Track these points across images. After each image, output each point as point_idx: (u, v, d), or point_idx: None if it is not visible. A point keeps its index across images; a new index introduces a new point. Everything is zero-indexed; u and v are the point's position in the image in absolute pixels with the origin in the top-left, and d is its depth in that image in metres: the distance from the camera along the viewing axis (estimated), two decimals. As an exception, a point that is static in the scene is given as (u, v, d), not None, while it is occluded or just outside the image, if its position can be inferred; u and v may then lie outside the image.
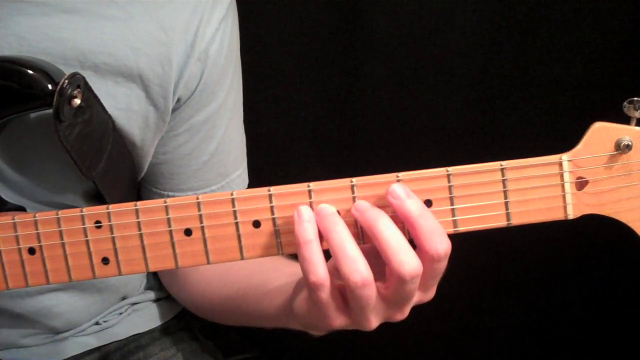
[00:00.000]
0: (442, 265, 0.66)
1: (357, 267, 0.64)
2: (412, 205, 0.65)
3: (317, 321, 0.71)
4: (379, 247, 0.65)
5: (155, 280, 1.09)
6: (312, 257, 0.65)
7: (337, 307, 0.68)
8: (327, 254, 0.67)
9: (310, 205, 0.67)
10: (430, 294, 0.70)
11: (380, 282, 0.66)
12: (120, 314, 1.04)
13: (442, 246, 0.65)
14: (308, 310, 0.71)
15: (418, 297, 0.69)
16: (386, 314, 0.69)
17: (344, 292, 0.67)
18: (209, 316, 1.01)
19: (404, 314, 0.69)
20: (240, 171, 1.00)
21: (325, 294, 0.66)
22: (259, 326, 0.88)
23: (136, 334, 1.05)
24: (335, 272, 0.66)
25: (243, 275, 0.90)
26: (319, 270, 0.65)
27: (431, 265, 0.65)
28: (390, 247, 0.64)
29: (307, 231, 0.65)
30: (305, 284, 0.67)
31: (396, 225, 0.65)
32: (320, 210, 0.67)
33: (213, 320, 1.01)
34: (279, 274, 0.84)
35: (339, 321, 0.69)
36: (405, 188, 0.66)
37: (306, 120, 1.35)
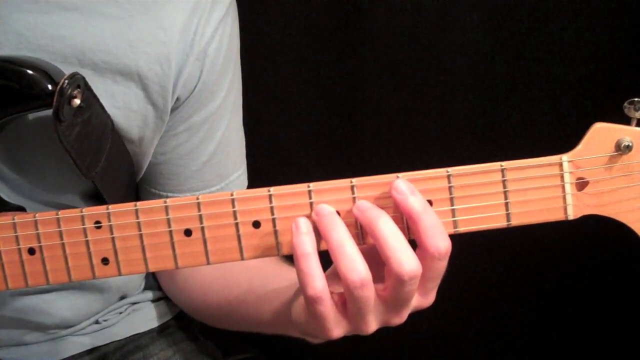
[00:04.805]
0: (442, 265, 0.66)
1: (356, 267, 0.64)
2: (415, 202, 0.65)
3: (315, 331, 0.70)
4: (379, 246, 0.65)
5: (155, 280, 1.09)
6: (310, 270, 0.64)
7: (335, 317, 0.67)
8: (324, 257, 0.67)
9: (310, 206, 0.67)
10: (430, 298, 0.69)
11: (379, 284, 0.66)
12: (120, 313, 1.04)
13: (443, 244, 0.64)
14: (306, 320, 0.70)
15: (417, 301, 0.68)
16: (384, 317, 0.68)
17: (342, 299, 0.67)
18: (207, 320, 1.01)
19: (402, 317, 0.69)
20: (240, 172, 1.00)
21: (323, 307, 0.65)
22: (257, 331, 0.88)
23: (136, 334, 1.05)
24: (334, 277, 0.66)
25: (243, 280, 0.90)
26: (317, 284, 0.64)
27: (431, 264, 0.65)
28: (389, 246, 0.64)
29: (305, 244, 0.65)
30: (303, 296, 0.66)
31: (397, 226, 0.65)
32: (319, 210, 0.67)
33: (211, 325, 1.01)
34: (279, 279, 0.83)
35: (337, 331, 0.68)
36: (409, 184, 0.65)
37: (306, 120, 1.35)
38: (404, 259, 0.63)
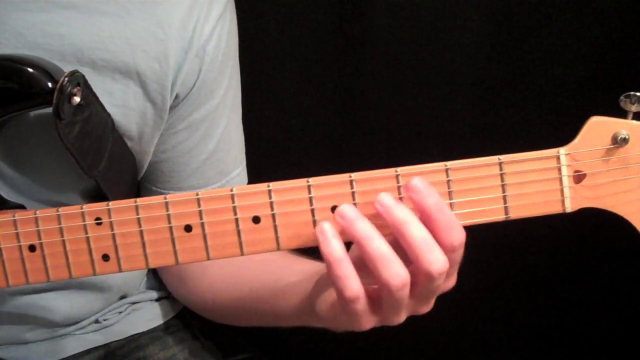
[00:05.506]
0: (458, 254, 0.67)
1: (397, 271, 0.64)
2: (431, 200, 0.65)
3: (345, 325, 0.71)
4: (407, 247, 0.65)
5: (155, 280, 1.09)
6: (346, 274, 0.64)
7: (369, 314, 0.68)
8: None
9: (310, 201, 0.68)
10: (452, 280, 0.70)
11: None
12: (120, 312, 1.04)
13: (457, 237, 0.65)
14: (335, 315, 0.71)
15: (441, 287, 0.69)
16: (414, 308, 0.69)
17: (374, 293, 0.67)
18: (221, 319, 1.00)
19: (429, 306, 0.70)
20: (240, 170, 1.00)
21: (360, 305, 0.66)
22: (273, 326, 0.88)
23: (136, 334, 1.05)
24: (361, 266, 0.65)
25: (253, 276, 0.90)
26: (354, 285, 0.64)
27: (447, 257, 0.65)
28: (420, 247, 0.64)
29: (336, 250, 0.64)
30: (340, 298, 0.66)
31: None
32: (345, 214, 0.66)
33: (224, 323, 1.00)
34: (290, 272, 0.83)
35: (370, 323, 0.69)
36: (425, 182, 0.65)
37: (306, 119, 1.36)
38: (434, 258, 0.64)
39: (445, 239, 0.65)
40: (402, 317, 0.69)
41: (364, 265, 0.65)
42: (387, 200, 0.66)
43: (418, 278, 0.66)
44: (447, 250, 0.65)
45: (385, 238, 0.65)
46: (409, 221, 0.65)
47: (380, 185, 0.67)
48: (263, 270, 0.88)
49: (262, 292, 0.87)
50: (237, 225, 0.69)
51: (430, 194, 0.65)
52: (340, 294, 0.65)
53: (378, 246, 0.64)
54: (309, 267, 0.80)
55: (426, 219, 0.65)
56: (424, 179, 0.66)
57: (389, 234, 0.66)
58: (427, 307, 0.70)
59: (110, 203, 0.70)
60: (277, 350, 1.30)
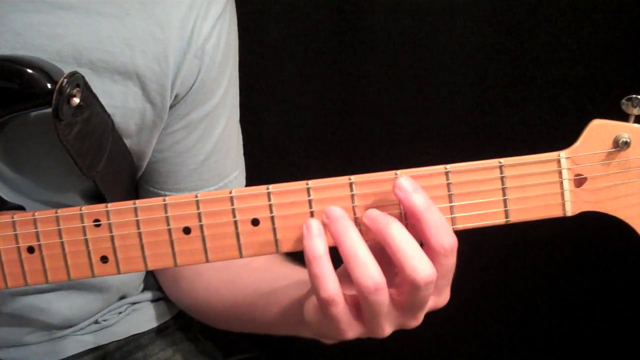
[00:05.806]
0: (450, 261, 0.65)
1: (370, 272, 0.63)
2: (418, 199, 0.64)
3: (329, 332, 0.70)
4: (391, 253, 0.64)
5: (155, 280, 1.09)
6: (322, 273, 0.64)
7: (349, 319, 0.67)
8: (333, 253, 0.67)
9: (309, 203, 0.67)
10: (445, 296, 0.69)
11: (393, 288, 0.66)
12: (120, 313, 1.03)
13: (447, 240, 0.64)
14: (319, 322, 0.70)
15: (432, 302, 0.68)
16: (399, 320, 0.68)
17: (355, 301, 0.67)
18: (212, 322, 1.00)
19: (418, 320, 0.68)
20: (238, 172, 1.00)
21: (337, 309, 0.65)
22: (266, 333, 0.87)
23: (136, 334, 1.05)
24: (345, 277, 0.65)
25: (250, 283, 0.89)
26: (330, 286, 0.64)
27: (438, 262, 0.64)
28: (403, 253, 0.63)
29: (318, 247, 0.64)
30: (317, 299, 0.66)
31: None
32: (329, 212, 0.66)
33: (216, 327, 1.00)
34: (287, 281, 0.83)
35: (351, 332, 0.68)
36: (412, 182, 0.65)
37: (306, 120, 1.36)
38: (418, 265, 0.63)
39: (434, 241, 0.64)
40: (385, 329, 0.68)
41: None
42: (372, 212, 0.66)
43: (403, 287, 0.65)
44: (437, 254, 0.64)
45: (377, 253, 0.65)
46: (391, 226, 0.64)
47: (380, 188, 0.67)
48: (260, 278, 0.88)
49: (257, 300, 0.86)
50: (236, 228, 0.68)
51: (417, 193, 0.64)
52: (317, 294, 0.65)
53: (353, 245, 0.64)
54: (304, 276, 0.80)
55: (414, 220, 0.65)
56: (414, 180, 0.65)
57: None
58: (414, 322, 0.68)
59: (109, 205, 0.70)
60: (277, 350, 1.29)
